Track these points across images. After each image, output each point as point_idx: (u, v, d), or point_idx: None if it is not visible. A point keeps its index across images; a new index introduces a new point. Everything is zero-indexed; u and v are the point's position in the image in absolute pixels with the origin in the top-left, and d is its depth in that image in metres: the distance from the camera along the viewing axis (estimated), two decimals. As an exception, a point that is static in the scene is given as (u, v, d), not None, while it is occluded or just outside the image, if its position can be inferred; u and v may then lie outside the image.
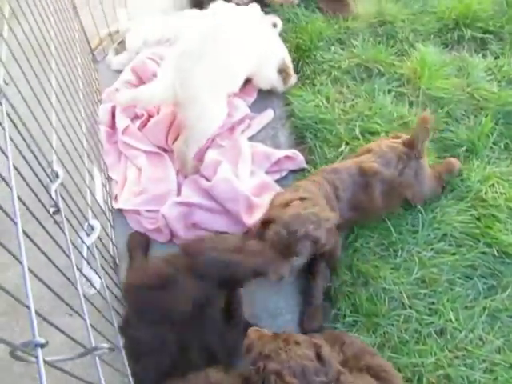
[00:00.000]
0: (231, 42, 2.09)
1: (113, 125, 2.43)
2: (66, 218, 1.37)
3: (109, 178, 2.29)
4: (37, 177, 1.21)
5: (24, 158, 1.13)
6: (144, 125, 2.36)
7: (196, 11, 2.76)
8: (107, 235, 1.98)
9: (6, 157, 1.02)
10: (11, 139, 1.08)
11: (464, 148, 2.32)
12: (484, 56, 2.79)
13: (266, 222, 1.70)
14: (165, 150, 2.28)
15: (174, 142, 2.23)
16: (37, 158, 1.25)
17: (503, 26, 2.90)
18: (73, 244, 1.36)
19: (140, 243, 2.01)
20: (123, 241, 2.10)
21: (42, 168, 1.30)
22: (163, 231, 2.02)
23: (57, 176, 1.37)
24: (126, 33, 2.82)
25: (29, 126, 1.26)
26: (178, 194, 2.13)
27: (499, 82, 2.62)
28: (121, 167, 2.29)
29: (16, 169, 1.03)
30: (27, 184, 1.10)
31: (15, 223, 0.90)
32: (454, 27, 2.92)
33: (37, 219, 1.07)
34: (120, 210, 2.16)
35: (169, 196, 2.08)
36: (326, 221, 1.65)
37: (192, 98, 1.97)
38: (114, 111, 2.44)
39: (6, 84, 1.17)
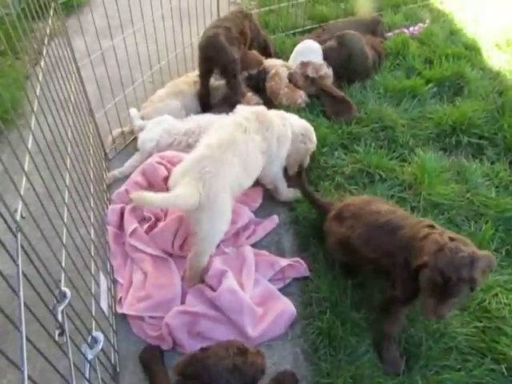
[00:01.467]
0: (250, 144, 2.22)
1: (121, 226, 2.53)
2: (71, 338, 1.40)
3: (114, 280, 2.34)
4: (41, 299, 1.24)
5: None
6: (151, 228, 2.44)
7: (207, 115, 2.93)
8: (109, 341, 1.98)
9: (18, 297, 1.07)
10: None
11: (466, 255, 2.35)
12: (481, 161, 2.92)
13: (420, 266, 1.73)
14: (170, 255, 2.34)
15: (180, 248, 2.30)
16: (44, 280, 1.29)
17: (496, 132, 3.07)
18: (75, 366, 1.39)
19: (155, 357, 2.00)
20: (125, 346, 2.12)
21: (49, 289, 1.34)
22: (166, 339, 2.03)
23: (64, 296, 1.42)
24: (139, 132, 2.98)
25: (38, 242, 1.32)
26: (183, 300, 2.17)
27: (497, 187, 2.72)
28: (126, 270, 2.34)
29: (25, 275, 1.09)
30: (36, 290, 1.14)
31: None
32: (452, 133, 3.09)
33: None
34: (123, 314, 2.19)
35: (173, 303, 2.12)
36: (482, 258, 1.67)
37: (213, 200, 2.01)
38: (122, 212, 2.54)
39: (23, 218, 1.24)
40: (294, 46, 3.86)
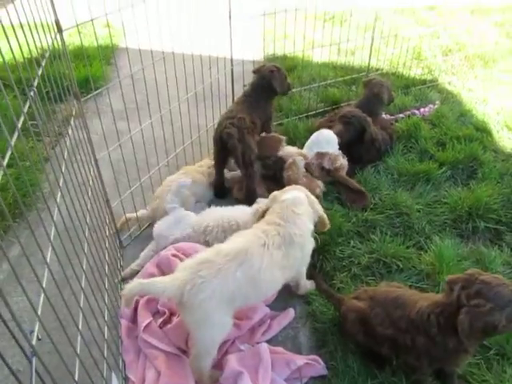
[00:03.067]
0: (266, 260, 2.11)
1: (134, 319, 2.50)
2: None
3: (126, 378, 2.29)
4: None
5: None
6: (165, 323, 2.42)
7: (226, 209, 2.93)
8: None
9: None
10: None
11: (494, 351, 2.28)
12: (500, 247, 2.90)
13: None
14: (183, 351, 2.30)
15: (194, 345, 2.27)
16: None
17: (515, 217, 3.04)
18: None
19: None
20: None
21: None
22: None
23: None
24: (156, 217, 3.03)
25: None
26: (197, 401, 2.11)
27: (519, 278, 2.66)
28: (139, 367, 2.30)
29: None
30: None
31: None
32: (468, 218, 3.08)
33: None
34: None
35: (187, 405, 2.05)
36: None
37: (196, 307, 1.96)
38: (136, 305, 2.53)
39: (39, 339, 1.25)
40: (307, 130, 4.02)
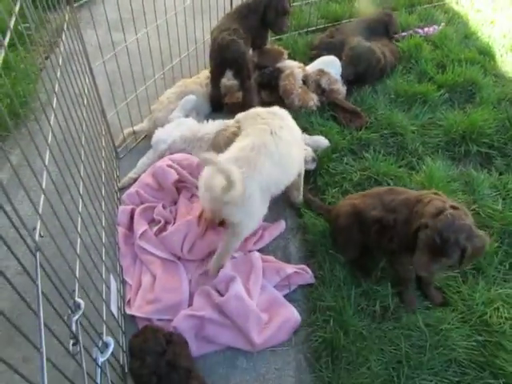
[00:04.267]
0: (280, 144, 2.27)
1: (130, 227, 2.62)
2: (85, 348, 1.49)
3: (123, 281, 2.44)
4: (59, 315, 1.33)
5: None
6: (161, 231, 2.54)
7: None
8: (118, 343, 2.08)
9: (38, 317, 1.17)
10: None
11: (470, 267, 2.43)
12: (489, 171, 2.99)
13: (420, 227, 1.92)
14: (178, 258, 2.43)
15: (188, 252, 2.39)
16: (58, 290, 1.37)
17: (507, 142, 3.13)
18: (89, 375, 1.49)
19: None
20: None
21: (65, 301, 1.43)
22: (173, 341, 2.12)
23: (78, 307, 1.51)
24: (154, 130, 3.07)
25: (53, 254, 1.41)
26: (190, 302, 2.26)
27: (504, 199, 2.77)
28: (136, 271, 2.44)
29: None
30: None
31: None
32: (461, 141, 3.15)
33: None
34: (132, 315, 2.28)
35: (181, 307, 2.22)
36: (478, 236, 1.87)
37: (246, 200, 2.07)
38: (132, 214, 2.63)
39: (42, 237, 1.33)
40: (307, 45, 3.96)
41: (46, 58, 4.05)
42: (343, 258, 2.43)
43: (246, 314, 2.11)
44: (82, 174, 2.01)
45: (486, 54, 3.95)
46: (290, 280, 2.35)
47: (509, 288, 2.35)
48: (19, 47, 1.59)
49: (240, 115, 2.58)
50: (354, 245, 2.37)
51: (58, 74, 2.03)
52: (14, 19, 1.51)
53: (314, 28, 4.30)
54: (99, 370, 1.64)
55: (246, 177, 2.04)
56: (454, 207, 1.90)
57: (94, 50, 2.82)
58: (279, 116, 2.45)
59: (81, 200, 1.93)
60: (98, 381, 1.60)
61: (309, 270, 2.38)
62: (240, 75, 3.20)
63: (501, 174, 2.97)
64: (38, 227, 1.33)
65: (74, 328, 1.44)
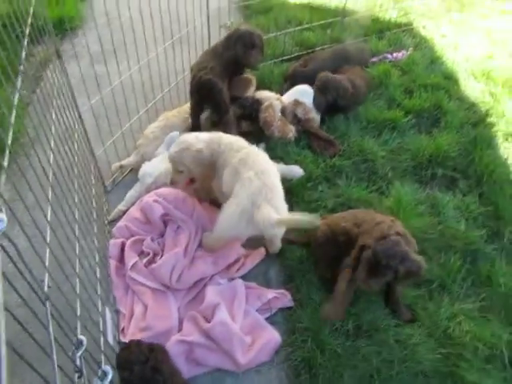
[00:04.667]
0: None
1: (121, 259, 2.83)
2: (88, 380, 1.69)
3: (116, 311, 2.64)
4: (60, 346, 1.53)
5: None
6: (150, 262, 2.75)
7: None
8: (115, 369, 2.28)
9: (52, 359, 1.37)
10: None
11: (436, 284, 2.68)
12: (454, 193, 3.24)
13: (364, 247, 2.25)
14: (167, 287, 2.64)
15: (176, 282, 2.61)
16: (64, 331, 1.58)
17: (469, 165, 3.40)
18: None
19: None
20: (128, 373, 2.41)
21: (67, 336, 1.63)
22: (165, 365, 2.33)
23: (81, 343, 1.71)
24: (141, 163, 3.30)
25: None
26: (180, 328, 2.48)
27: (467, 220, 3.03)
28: (128, 301, 2.65)
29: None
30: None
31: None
32: (428, 165, 3.41)
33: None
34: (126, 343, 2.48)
35: (171, 333, 2.43)
36: (412, 261, 2.16)
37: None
38: (123, 246, 2.84)
39: (49, 287, 1.54)
40: (282, 74, 4.21)
41: (33, 92, 4.27)
42: (318, 275, 2.68)
43: (230, 338, 2.33)
44: (74, 210, 2.20)
45: (450, 78, 4.24)
46: (271, 304, 2.57)
47: (470, 303, 2.60)
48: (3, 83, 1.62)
49: (207, 138, 2.85)
50: (329, 259, 2.61)
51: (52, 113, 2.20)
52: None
53: (288, 56, 4.55)
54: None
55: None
56: (398, 233, 2.20)
57: (76, 84, 2.94)
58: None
59: (76, 239, 2.13)
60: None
61: (288, 294, 2.61)
62: (217, 111, 3.44)
63: (464, 195, 3.22)
64: (46, 279, 1.54)
65: (78, 363, 1.65)
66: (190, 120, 3.63)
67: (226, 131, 3.39)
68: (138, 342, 2.15)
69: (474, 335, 2.43)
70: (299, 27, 4.68)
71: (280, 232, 2.66)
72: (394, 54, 4.54)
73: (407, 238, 2.25)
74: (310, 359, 2.32)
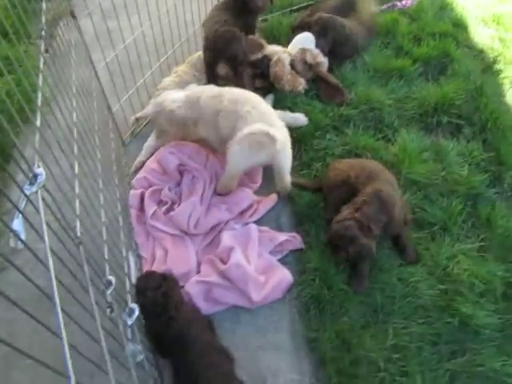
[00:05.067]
0: None
1: (141, 208, 3.03)
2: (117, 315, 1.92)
3: (139, 255, 2.87)
4: (93, 282, 1.75)
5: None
6: (168, 210, 2.95)
7: None
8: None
9: (90, 295, 1.59)
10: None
11: (438, 226, 2.86)
12: (458, 140, 3.36)
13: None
14: (185, 233, 2.86)
15: (194, 228, 2.82)
16: (97, 273, 1.79)
17: (474, 112, 3.49)
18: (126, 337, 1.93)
19: None
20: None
21: (98, 276, 1.84)
22: (186, 303, 2.58)
23: (110, 283, 1.93)
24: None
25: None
26: (198, 270, 2.71)
27: (469, 165, 3.16)
28: (149, 246, 2.87)
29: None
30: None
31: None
32: (433, 113, 3.51)
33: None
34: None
35: (190, 274, 2.66)
36: (360, 245, 2.45)
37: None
38: (142, 196, 3.04)
39: (81, 233, 1.73)
40: (291, 26, 4.25)
41: (46, 51, 4.34)
42: (327, 219, 2.83)
43: (245, 278, 2.55)
44: (97, 164, 2.37)
45: (460, 25, 4.25)
46: (283, 246, 2.78)
47: (470, 243, 2.78)
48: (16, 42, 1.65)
49: (183, 97, 3.10)
50: (339, 204, 2.75)
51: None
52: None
53: (297, 6, 4.56)
54: (129, 330, 2.08)
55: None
56: (354, 218, 2.47)
57: (90, 40, 3.00)
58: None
59: (100, 191, 2.32)
60: (129, 336, 2.04)
61: (298, 237, 2.81)
62: (233, 63, 3.52)
63: (468, 141, 3.34)
64: (78, 226, 1.74)
65: (109, 299, 1.87)
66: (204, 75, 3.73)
67: (239, 83, 3.51)
68: (153, 272, 2.38)
69: (471, 273, 2.62)
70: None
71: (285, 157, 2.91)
72: (404, 2, 4.54)
73: (362, 222, 2.47)
74: (319, 296, 2.54)
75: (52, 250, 1.27)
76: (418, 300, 2.54)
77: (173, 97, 3.07)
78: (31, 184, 1.24)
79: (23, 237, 1.18)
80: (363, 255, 2.49)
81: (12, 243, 1.21)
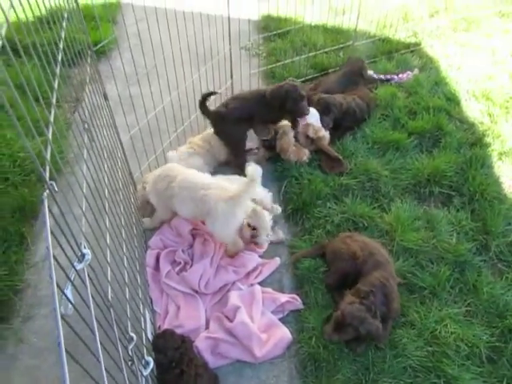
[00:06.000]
0: None
1: (156, 267, 3.35)
2: (135, 367, 2.20)
3: (153, 311, 3.16)
4: (120, 340, 2.05)
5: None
6: (181, 270, 3.27)
7: None
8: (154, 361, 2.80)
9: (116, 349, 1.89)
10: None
11: (427, 291, 3.15)
12: (448, 209, 3.69)
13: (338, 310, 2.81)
14: (196, 292, 3.17)
15: (204, 287, 3.13)
16: (117, 324, 2.09)
17: (463, 183, 3.83)
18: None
19: None
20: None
21: (122, 333, 2.14)
22: (195, 357, 2.85)
23: (132, 339, 2.23)
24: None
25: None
26: (206, 327, 3.00)
27: (458, 233, 3.48)
28: (163, 303, 3.17)
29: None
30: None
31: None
32: (426, 183, 3.87)
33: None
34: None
35: (200, 330, 2.96)
36: (370, 324, 2.69)
37: None
38: (158, 256, 3.37)
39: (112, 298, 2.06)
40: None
41: (73, 113, 4.79)
42: (326, 283, 3.17)
43: (249, 335, 2.83)
44: (121, 228, 2.69)
45: (452, 99, 4.67)
46: (284, 306, 3.08)
47: (457, 308, 3.05)
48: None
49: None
50: (343, 274, 3.11)
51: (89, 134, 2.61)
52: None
53: (303, 78, 5.03)
54: (144, 380, 2.36)
55: None
56: (362, 303, 2.75)
57: (113, 105, 3.29)
58: None
59: (125, 255, 2.65)
60: (144, 386, 2.32)
61: (298, 298, 3.11)
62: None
63: (458, 211, 3.66)
64: (110, 291, 2.06)
65: (130, 353, 2.16)
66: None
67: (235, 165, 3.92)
68: (172, 332, 2.68)
69: (457, 336, 2.89)
70: (313, 53, 5.14)
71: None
72: (400, 75, 4.97)
73: (367, 305, 2.77)
74: (315, 354, 2.82)
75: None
76: (407, 360, 2.80)
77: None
78: (79, 261, 1.57)
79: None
80: (372, 334, 2.73)
81: (62, 310, 1.52)
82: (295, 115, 3.98)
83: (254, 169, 2.92)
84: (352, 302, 2.78)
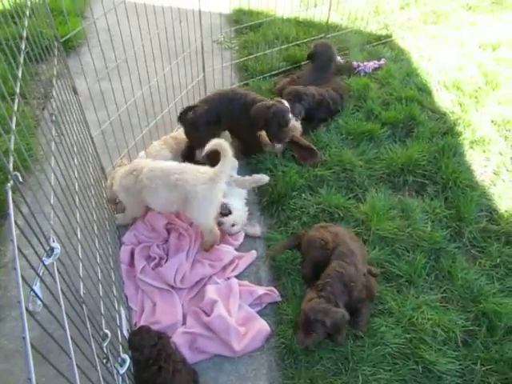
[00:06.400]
0: None
1: (131, 263, 3.29)
2: (111, 364, 2.15)
3: (129, 308, 3.11)
4: (93, 337, 2.00)
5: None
6: (156, 266, 3.22)
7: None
8: (130, 358, 2.75)
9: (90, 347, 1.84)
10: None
11: (404, 279, 3.17)
12: (422, 197, 3.72)
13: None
14: (172, 287, 3.12)
15: (180, 282, 3.09)
16: (95, 328, 2.04)
17: (437, 171, 3.87)
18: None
19: None
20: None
21: (96, 330, 2.08)
22: (173, 353, 2.81)
23: (106, 336, 2.17)
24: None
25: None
26: (183, 322, 2.96)
27: (433, 221, 3.52)
28: (138, 299, 3.12)
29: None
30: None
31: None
32: (400, 173, 3.89)
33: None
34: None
35: (177, 326, 2.91)
36: (332, 312, 2.69)
37: None
38: (132, 252, 3.31)
39: (84, 294, 2.00)
40: (269, 90, 4.66)
41: (43, 109, 4.67)
42: (302, 274, 3.17)
43: (227, 329, 2.80)
44: (93, 223, 2.64)
45: (424, 90, 4.72)
46: (262, 299, 3.06)
47: (433, 295, 3.09)
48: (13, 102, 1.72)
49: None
50: (316, 263, 3.10)
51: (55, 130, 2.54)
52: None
53: (276, 71, 5.00)
54: (120, 378, 2.31)
55: None
56: (320, 296, 2.77)
57: (83, 100, 3.26)
58: None
59: (97, 249, 2.59)
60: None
61: (276, 291, 3.09)
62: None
63: (431, 199, 3.71)
64: (82, 287, 2.01)
65: (105, 351, 2.11)
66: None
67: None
68: (149, 329, 2.64)
69: (434, 322, 2.91)
70: (286, 46, 5.12)
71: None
72: (365, 63, 5.00)
73: (329, 298, 2.78)
74: (293, 346, 2.80)
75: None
76: (386, 348, 2.81)
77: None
78: (48, 256, 1.52)
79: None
80: (339, 322, 2.72)
81: (31, 307, 1.47)
82: (275, 139, 3.86)
83: (218, 141, 2.93)
84: (310, 298, 2.78)
